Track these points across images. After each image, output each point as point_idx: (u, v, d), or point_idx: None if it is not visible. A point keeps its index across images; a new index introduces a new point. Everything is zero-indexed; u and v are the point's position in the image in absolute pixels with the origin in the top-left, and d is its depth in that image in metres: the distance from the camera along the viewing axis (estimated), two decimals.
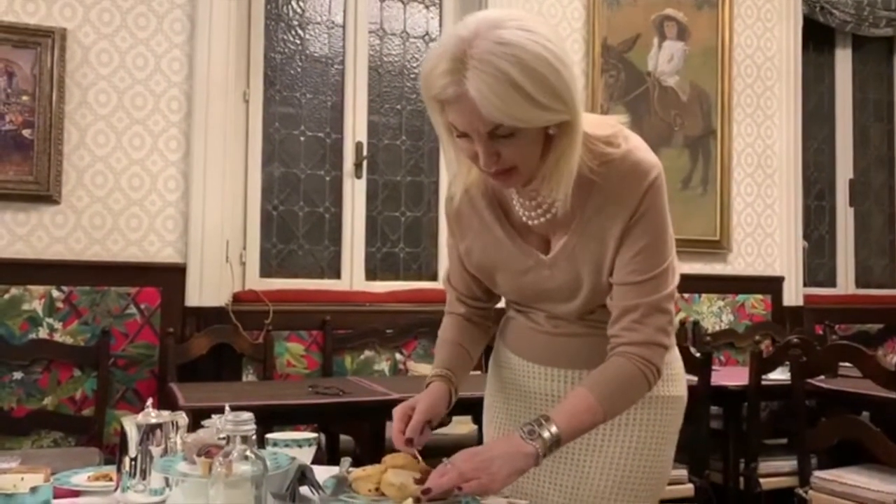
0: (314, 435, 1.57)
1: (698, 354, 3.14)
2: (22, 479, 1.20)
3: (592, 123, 1.37)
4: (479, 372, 2.46)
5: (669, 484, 2.64)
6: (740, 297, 4.57)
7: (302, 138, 3.91)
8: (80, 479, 1.47)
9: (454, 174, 1.47)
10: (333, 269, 3.93)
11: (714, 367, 3.26)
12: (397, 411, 1.45)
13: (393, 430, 1.43)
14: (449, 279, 1.62)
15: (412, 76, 4.08)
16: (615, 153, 1.37)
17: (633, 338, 1.38)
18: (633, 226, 1.38)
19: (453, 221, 1.54)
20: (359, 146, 3.96)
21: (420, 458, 1.39)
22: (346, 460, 1.48)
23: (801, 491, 2.95)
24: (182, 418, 1.41)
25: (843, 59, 5.15)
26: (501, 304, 1.65)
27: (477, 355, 1.61)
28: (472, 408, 1.77)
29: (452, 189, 1.49)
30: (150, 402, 1.41)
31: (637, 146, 1.40)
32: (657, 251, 1.39)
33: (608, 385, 1.38)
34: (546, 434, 1.31)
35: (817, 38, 4.97)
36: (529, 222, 1.45)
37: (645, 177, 1.37)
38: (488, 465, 1.28)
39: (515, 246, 1.47)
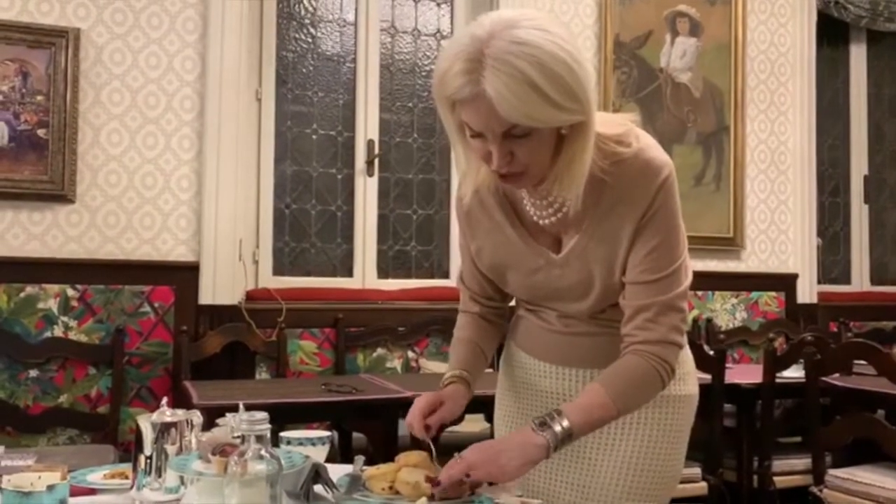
0: (327, 433, 1.57)
1: (712, 352, 3.13)
2: (39, 477, 1.21)
3: (603, 122, 1.36)
4: (491, 370, 2.45)
5: (683, 482, 2.65)
6: (754, 295, 4.55)
7: (314, 136, 3.92)
8: (96, 477, 1.48)
9: (464, 174, 1.47)
10: (346, 267, 3.94)
11: (728, 365, 3.24)
12: (423, 401, 1.45)
13: (413, 414, 1.43)
14: (462, 279, 1.62)
15: (424, 74, 4.08)
16: (626, 152, 1.37)
17: (647, 336, 1.38)
18: (646, 224, 1.38)
19: (464, 222, 1.54)
20: (370, 144, 3.96)
21: (433, 448, 1.40)
22: (360, 458, 1.48)
23: (815, 489, 2.94)
24: (196, 417, 1.41)
25: (858, 55, 5.11)
26: (514, 303, 1.65)
27: (491, 354, 1.62)
28: (485, 406, 1.77)
29: (462, 189, 1.49)
30: (164, 400, 1.42)
31: (648, 145, 1.39)
32: (669, 250, 1.39)
33: (622, 382, 1.38)
34: (558, 427, 1.31)
35: (831, 33, 4.94)
36: (540, 222, 1.45)
37: (656, 175, 1.37)
38: (498, 456, 1.29)
39: (526, 245, 1.47)
